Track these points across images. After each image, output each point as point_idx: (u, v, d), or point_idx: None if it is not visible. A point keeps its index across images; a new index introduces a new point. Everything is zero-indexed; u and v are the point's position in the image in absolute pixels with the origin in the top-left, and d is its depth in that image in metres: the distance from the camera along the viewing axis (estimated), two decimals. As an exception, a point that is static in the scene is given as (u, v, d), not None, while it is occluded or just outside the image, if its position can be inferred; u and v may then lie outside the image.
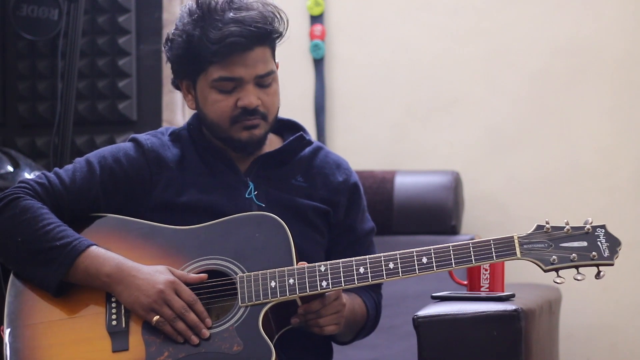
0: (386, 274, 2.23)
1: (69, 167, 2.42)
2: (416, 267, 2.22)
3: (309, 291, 2.24)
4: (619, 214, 3.51)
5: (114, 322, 2.26)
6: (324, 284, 2.24)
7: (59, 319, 2.28)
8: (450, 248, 2.22)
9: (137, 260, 2.29)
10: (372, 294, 2.55)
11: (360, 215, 2.54)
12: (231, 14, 2.33)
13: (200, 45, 2.34)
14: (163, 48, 2.45)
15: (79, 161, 2.42)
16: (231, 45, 2.32)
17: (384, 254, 2.25)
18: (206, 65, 2.36)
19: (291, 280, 2.24)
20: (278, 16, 2.39)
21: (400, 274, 2.23)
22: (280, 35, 2.40)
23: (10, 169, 3.35)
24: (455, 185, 3.44)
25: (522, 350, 2.26)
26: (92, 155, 2.43)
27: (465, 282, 2.46)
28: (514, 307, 2.26)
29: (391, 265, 2.23)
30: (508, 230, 3.48)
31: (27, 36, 3.60)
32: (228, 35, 2.32)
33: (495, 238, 2.22)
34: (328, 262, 2.26)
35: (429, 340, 2.28)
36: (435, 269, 2.22)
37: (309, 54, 3.74)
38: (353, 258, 2.25)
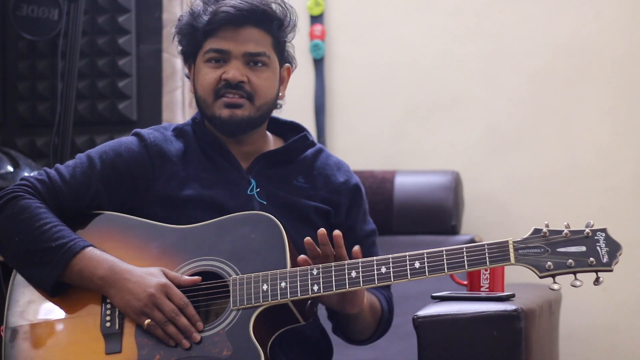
0: (378, 279, 2.21)
1: (70, 162, 2.42)
2: (408, 272, 2.19)
3: (300, 295, 2.22)
4: (619, 214, 3.51)
5: (108, 324, 2.26)
6: (315, 287, 2.22)
7: (56, 319, 2.29)
8: (444, 252, 2.19)
9: (134, 261, 2.29)
10: (382, 290, 2.54)
11: (361, 216, 2.53)
12: None
13: (198, 18, 2.39)
14: (173, 30, 2.50)
15: (80, 157, 2.42)
16: (221, 16, 2.36)
17: (377, 257, 2.23)
18: (202, 40, 2.40)
19: (283, 284, 2.23)
20: (281, 4, 2.41)
21: (392, 279, 2.20)
22: (280, 23, 2.41)
23: (10, 169, 3.35)
24: (455, 185, 3.44)
25: (522, 350, 2.25)
26: (94, 151, 2.43)
27: (465, 282, 2.46)
28: (514, 307, 2.26)
29: (383, 270, 2.21)
30: (508, 230, 3.50)
31: (27, 36, 3.60)
32: (222, 6, 2.36)
33: (490, 243, 2.18)
34: (321, 265, 2.24)
35: (429, 340, 2.28)
36: (427, 274, 2.19)
37: (309, 54, 3.74)
38: (345, 262, 2.24)
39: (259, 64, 2.39)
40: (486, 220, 3.60)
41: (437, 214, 3.40)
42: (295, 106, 3.63)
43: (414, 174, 3.52)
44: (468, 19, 3.64)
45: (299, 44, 3.69)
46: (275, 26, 2.41)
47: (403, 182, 3.46)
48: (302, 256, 2.25)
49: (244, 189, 2.42)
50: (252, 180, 2.43)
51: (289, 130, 2.54)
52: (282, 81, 2.47)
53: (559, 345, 3.18)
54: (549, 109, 3.59)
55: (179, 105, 3.66)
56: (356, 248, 2.24)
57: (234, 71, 2.37)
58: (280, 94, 2.46)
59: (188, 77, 2.50)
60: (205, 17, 2.37)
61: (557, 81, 3.58)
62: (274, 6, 2.40)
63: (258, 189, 2.42)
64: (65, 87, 3.41)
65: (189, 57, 2.46)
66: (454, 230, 3.41)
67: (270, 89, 2.42)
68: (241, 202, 2.38)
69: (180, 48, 2.48)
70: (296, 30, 2.47)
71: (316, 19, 3.74)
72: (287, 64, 2.48)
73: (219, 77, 2.38)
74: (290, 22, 2.43)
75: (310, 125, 3.70)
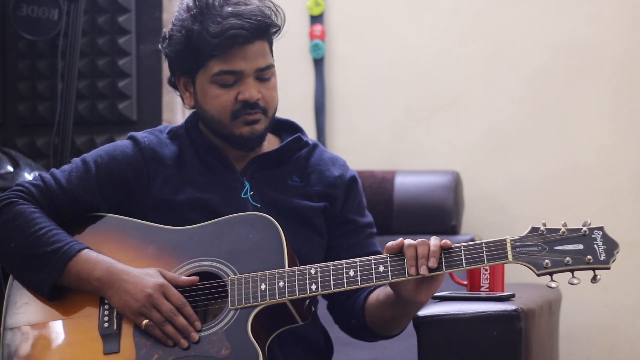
0: (376, 278, 2.21)
1: (66, 167, 2.41)
2: (406, 270, 2.20)
3: (298, 294, 2.22)
4: (619, 214, 3.51)
5: (106, 325, 2.26)
6: (314, 287, 2.22)
7: (54, 320, 2.29)
8: (442, 251, 2.19)
9: (132, 262, 2.29)
10: None
11: (357, 208, 2.51)
12: (229, 9, 2.33)
13: (200, 40, 2.33)
14: (160, 46, 2.44)
15: (76, 161, 2.42)
16: (232, 38, 2.31)
17: (375, 256, 2.23)
18: (206, 60, 2.35)
19: (281, 283, 2.23)
20: (275, 11, 2.39)
21: (390, 277, 2.20)
22: (278, 29, 2.40)
23: (10, 169, 3.35)
24: (455, 185, 3.44)
25: (522, 350, 2.26)
26: (89, 155, 2.42)
27: (465, 282, 2.46)
28: (514, 307, 2.26)
29: (381, 269, 2.21)
30: (508, 230, 3.48)
31: (27, 36, 3.60)
32: (229, 28, 2.31)
33: (488, 241, 2.17)
34: (319, 264, 2.24)
35: (429, 340, 2.28)
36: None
37: (309, 54, 3.74)
38: (344, 261, 2.23)
39: (268, 76, 2.38)
40: (486, 220, 3.60)
41: (437, 214, 3.40)
42: (295, 106, 3.65)
43: (414, 174, 3.52)
44: (468, 19, 3.65)
45: (299, 44, 3.73)
46: (272, 32, 2.40)
47: (403, 182, 3.46)
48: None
49: (238, 192, 2.41)
50: (246, 183, 2.42)
51: (285, 128, 2.53)
52: None
53: (559, 345, 3.18)
54: (549, 109, 3.59)
55: (179, 105, 3.66)
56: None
57: (251, 91, 2.34)
58: None
59: (175, 87, 2.45)
60: (212, 40, 2.31)
61: (557, 81, 3.58)
62: (272, 16, 2.38)
63: (252, 192, 2.41)
64: (65, 87, 3.41)
65: (184, 73, 2.42)
66: (454, 230, 3.41)
67: (277, 96, 2.42)
68: (235, 205, 2.38)
69: (169, 64, 2.43)
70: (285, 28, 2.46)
71: (316, 19, 3.74)
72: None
73: (234, 98, 2.35)
74: (284, 24, 2.43)
75: (310, 125, 3.70)
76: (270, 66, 2.38)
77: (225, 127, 2.38)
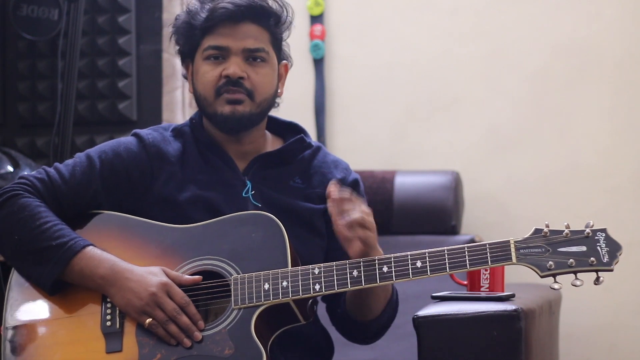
0: (379, 278, 2.21)
1: (69, 161, 2.42)
2: (410, 271, 2.20)
3: (302, 294, 2.23)
4: (619, 214, 3.51)
5: (109, 323, 2.26)
6: (317, 287, 2.22)
7: (56, 318, 2.29)
8: (445, 252, 2.19)
9: (134, 260, 2.29)
10: None
11: None
12: None
13: (196, 16, 2.39)
14: (170, 30, 2.50)
15: (80, 156, 2.42)
16: (220, 12, 2.36)
17: (379, 257, 2.23)
18: (200, 38, 2.40)
19: (284, 283, 2.23)
20: (280, 3, 2.42)
21: (394, 278, 2.20)
22: (278, 19, 2.42)
23: (10, 169, 3.36)
24: (455, 185, 3.44)
25: (522, 350, 2.26)
26: (93, 150, 2.43)
27: (465, 282, 2.47)
28: (514, 307, 2.26)
29: (385, 269, 2.21)
30: (508, 230, 3.50)
31: (27, 36, 3.60)
32: (219, 3, 2.37)
33: (491, 242, 2.18)
34: (322, 264, 2.24)
35: (429, 340, 2.28)
36: (429, 273, 2.19)
37: (309, 54, 3.74)
38: (347, 261, 2.24)
39: (258, 60, 2.40)
40: (486, 220, 3.60)
41: (437, 214, 3.40)
42: (295, 106, 3.64)
43: (414, 174, 3.52)
44: (468, 19, 3.65)
45: (299, 44, 3.73)
46: (273, 22, 2.42)
47: (403, 182, 3.46)
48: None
49: (240, 191, 2.41)
50: (248, 182, 2.43)
51: (288, 130, 2.54)
52: (280, 78, 2.47)
53: (559, 345, 3.18)
54: (549, 109, 3.59)
55: (179, 105, 3.66)
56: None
57: (234, 67, 2.37)
58: (279, 91, 2.47)
59: (185, 78, 2.50)
60: (203, 15, 2.38)
61: (557, 81, 3.58)
62: (270, 2, 2.41)
63: (253, 192, 2.42)
64: (65, 87, 3.41)
65: (187, 56, 2.46)
66: (454, 230, 3.41)
67: (269, 84, 2.42)
68: (236, 204, 2.38)
69: (177, 48, 2.48)
70: (292, 28, 2.47)
71: (316, 19, 3.74)
72: (284, 61, 2.48)
73: (219, 74, 2.38)
74: (287, 19, 2.44)
75: (310, 125, 3.70)
76: (261, 50, 2.39)
77: (210, 106, 2.40)
